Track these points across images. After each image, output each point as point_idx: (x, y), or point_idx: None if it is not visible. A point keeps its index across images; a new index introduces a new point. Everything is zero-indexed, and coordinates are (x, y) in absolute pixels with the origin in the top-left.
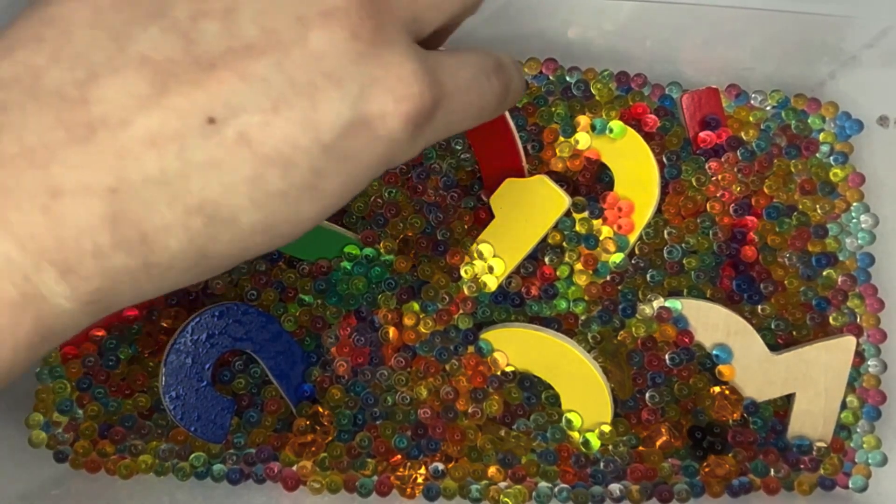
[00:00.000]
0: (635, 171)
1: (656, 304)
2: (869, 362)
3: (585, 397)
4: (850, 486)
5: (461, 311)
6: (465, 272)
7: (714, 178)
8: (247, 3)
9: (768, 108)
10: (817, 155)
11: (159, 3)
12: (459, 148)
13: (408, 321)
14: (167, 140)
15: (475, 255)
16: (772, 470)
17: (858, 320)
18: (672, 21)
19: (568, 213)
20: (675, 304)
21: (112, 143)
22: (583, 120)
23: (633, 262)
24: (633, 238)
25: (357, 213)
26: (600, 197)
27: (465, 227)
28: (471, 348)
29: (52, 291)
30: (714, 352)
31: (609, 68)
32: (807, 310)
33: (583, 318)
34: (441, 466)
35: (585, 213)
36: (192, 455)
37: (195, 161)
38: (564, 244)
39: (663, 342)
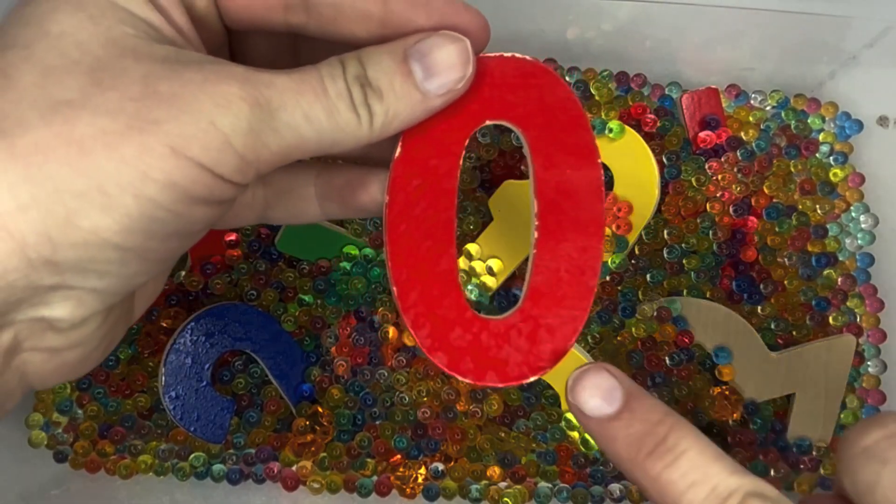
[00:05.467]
0: (635, 171)
1: (656, 304)
2: (869, 362)
3: None
4: None
5: None
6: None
7: (714, 178)
8: None
9: (768, 108)
10: (817, 155)
11: None
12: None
13: None
14: None
15: (465, 255)
16: (772, 470)
17: (858, 320)
18: (672, 21)
19: None
20: (674, 304)
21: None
22: None
23: (632, 262)
24: (632, 238)
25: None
26: None
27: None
28: None
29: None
30: (714, 352)
31: (608, 68)
32: (807, 310)
33: None
34: (441, 466)
35: None
36: (192, 455)
37: None
38: None
39: (663, 342)
